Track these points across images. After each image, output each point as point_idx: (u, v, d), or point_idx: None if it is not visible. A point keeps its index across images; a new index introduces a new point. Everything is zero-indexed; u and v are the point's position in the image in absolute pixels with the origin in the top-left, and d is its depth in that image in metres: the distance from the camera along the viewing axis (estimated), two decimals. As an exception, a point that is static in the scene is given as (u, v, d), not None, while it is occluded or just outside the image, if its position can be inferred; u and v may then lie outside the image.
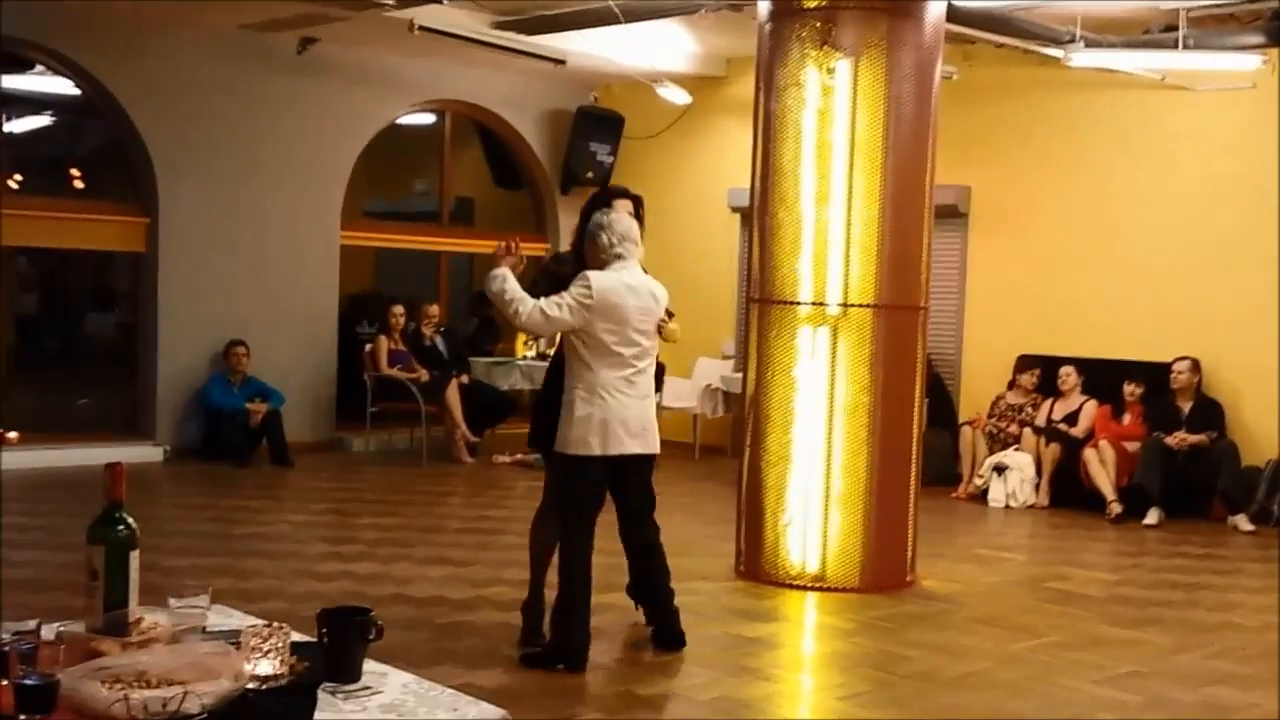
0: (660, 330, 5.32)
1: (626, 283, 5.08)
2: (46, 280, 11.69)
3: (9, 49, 9.85)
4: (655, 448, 5.26)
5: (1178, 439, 9.02)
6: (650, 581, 5.46)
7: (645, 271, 5.30)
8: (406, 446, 11.35)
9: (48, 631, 2.40)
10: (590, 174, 12.55)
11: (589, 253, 5.19)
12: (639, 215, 5.42)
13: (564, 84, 12.28)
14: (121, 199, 10.64)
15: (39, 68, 10.24)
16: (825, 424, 6.73)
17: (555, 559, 5.29)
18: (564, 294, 5.02)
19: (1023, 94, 10.32)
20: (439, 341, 11.38)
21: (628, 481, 5.25)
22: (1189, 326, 9.45)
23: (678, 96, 11.32)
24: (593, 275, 5.03)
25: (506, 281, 5.02)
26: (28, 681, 2.16)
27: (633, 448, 5.12)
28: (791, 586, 6.71)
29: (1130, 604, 6.65)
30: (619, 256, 5.11)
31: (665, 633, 5.46)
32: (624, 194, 5.56)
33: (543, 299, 5.02)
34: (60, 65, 10.13)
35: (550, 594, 5.37)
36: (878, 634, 5.90)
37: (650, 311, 5.16)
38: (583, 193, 12.80)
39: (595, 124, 12.56)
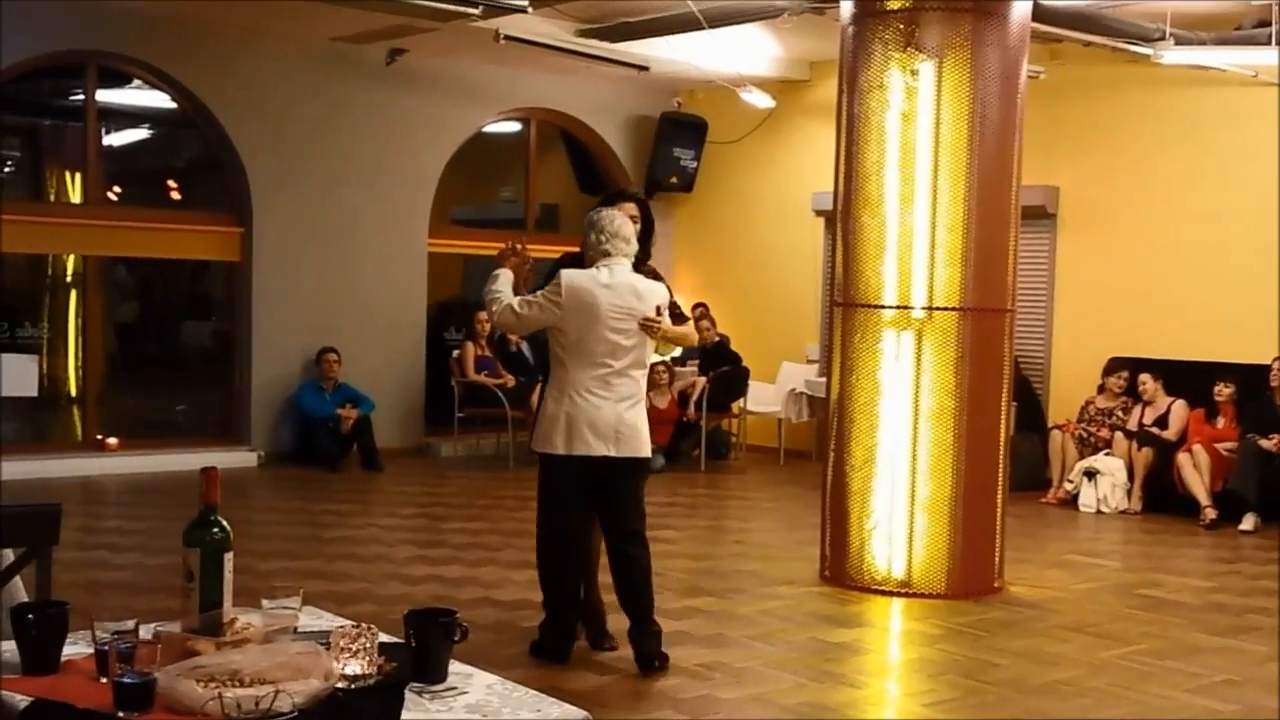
0: (652, 329, 5.06)
1: (602, 281, 4.98)
2: (144, 289, 11.98)
3: (108, 64, 10.14)
4: (633, 452, 5.06)
5: (1276, 442, 8.82)
6: (629, 599, 5.18)
7: (644, 271, 5.20)
8: (493, 451, 11.46)
9: (145, 631, 2.47)
10: (674, 179, 12.58)
11: (584, 251, 5.17)
12: (646, 217, 5.37)
13: (647, 90, 12.33)
14: (217, 209, 10.89)
15: (136, 82, 10.52)
16: (910, 428, 6.68)
17: (595, 560, 5.39)
18: (538, 292, 5.04)
19: (1111, 92, 10.15)
20: (524, 347, 11.47)
21: (604, 488, 5.09)
22: (1283, 327, 9.23)
23: (761, 100, 11.31)
24: (565, 274, 5.00)
25: (498, 280, 5.11)
26: (126, 680, 2.24)
27: (600, 450, 4.99)
28: (877, 592, 6.67)
29: (1225, 611, 6.51)
30: (606, 254, 5.02)
31: (638, 650, 5.16)
32: (630, 197, 5.50)
33: (517, 297, 5.06)
34: (156, 79, 10.40)
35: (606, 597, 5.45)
36: (965, 640, 5.85)
37: (629, 310, 5.01)
38: (668, 198, 12.88)
39: (679, 129, 12.58)
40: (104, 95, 10.40)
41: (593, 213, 5.17)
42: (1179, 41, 8.71)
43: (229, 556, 2.69)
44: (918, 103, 6.63)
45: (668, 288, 5.35)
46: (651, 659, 5.15)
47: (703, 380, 11.19)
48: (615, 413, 5.01)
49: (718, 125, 12.51)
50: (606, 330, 4.97)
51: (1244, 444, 8.93)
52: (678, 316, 5.41)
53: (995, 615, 6.31)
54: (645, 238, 5.34)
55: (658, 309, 5.09)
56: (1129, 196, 10.16)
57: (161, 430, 10.99)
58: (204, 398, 11.43)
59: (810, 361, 11.73)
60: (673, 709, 4.77)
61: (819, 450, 9.09)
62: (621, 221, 5.08)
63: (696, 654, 5.44)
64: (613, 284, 4.99)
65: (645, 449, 5.13)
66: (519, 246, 5.19)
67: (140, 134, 11.52)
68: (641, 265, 5.28)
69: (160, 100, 10.65)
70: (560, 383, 5.04)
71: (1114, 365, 9.87)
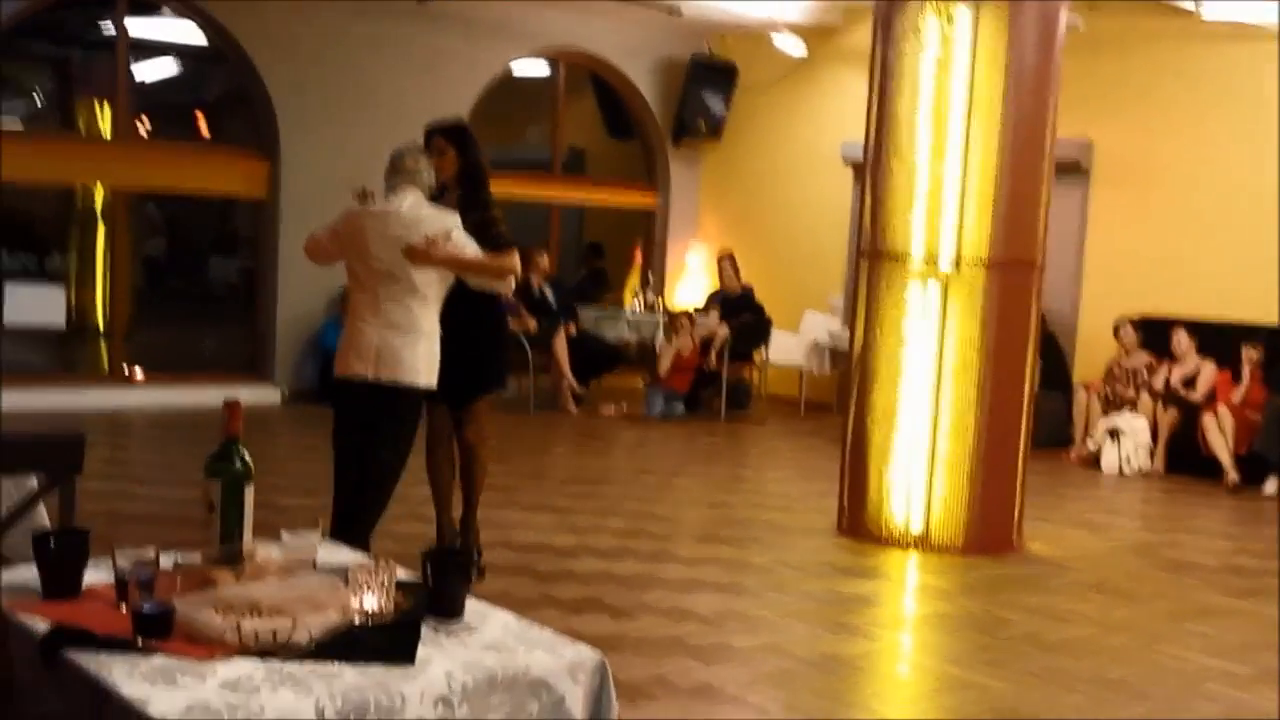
0: (412, 257, 4.96)
1: (372, 211, 5.10)
2: (172, 224, 12.01)
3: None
4: (392, 377, 4.98)
5: (1302, 406, 8.77)
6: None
7: (436, 203, 5.16)
8: (514, 395, 11.46)
9: (165, 561, 2.49)
10: (703, 125, 12.49)
11: None
12: (458, 145, 5.48)
13: (678, 33, 12.21)
14: (244, 145, 10.87)
15: (165, 12, 10.47)
16: (933, 382, 6.65)
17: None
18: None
19: (1151, 46, 10.00)
20: (548, 291, 11.46)
21: (369, 411, 5.06)
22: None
23: (793, 46, 11.19)
24: (347, 207, 5.19)
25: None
26: (145, 608, 2.26)
27: (359, 371, 5.00)
28: (894, 545, 6.67)
29: (1243, 574, 6.49)
30: (392, 188, 5.15)
31: None
32: (436, 130, 5.65)
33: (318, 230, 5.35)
34: (186, 10, 10.34)
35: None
36: (980, 596, 5.85)
37: (394, 239, 4.98)
38: (694, 144, 12.79)
39: (709, 74, 12.47)
40: (134, 27, 10.36)
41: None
42: (1221, -4, 8.57)
43: (250, 489, 2.70)
44: (953, 50, 6.54)
45: (492, 217, 5.36)
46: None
47: (724, 329, 11.16)
48: (379, 335, 5.03)
49: (748, 71, 12.39)
50: (370, 259, 5.06)
51: (1270, 407, 8.87)
52: (500, 246, 5.24)
53: (1012, 572, 6.31)
54: (469, 165, 5.46)
55: (430, 239, 4.97)
56: (1165, 153, 10.04)
57: (187, 365, 11.04)
58: (230, 333, 11.47)
59: (834, 311, 11.68)
60: (686, 655, 4.79)
61: (840, 403, 9.08)
62: (403, 157, 5.18)
63: (711, 601, 5.46)
64: (381, 213, 5.08)
65: (407, 376, 5.02)
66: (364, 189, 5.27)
67: (169, 66, 11.50)
68: (477, 197, 5.41)
69: (189, 32, 10.61)
70: (350, 308, 5.22)
71: (1126, 321, 9.76)
